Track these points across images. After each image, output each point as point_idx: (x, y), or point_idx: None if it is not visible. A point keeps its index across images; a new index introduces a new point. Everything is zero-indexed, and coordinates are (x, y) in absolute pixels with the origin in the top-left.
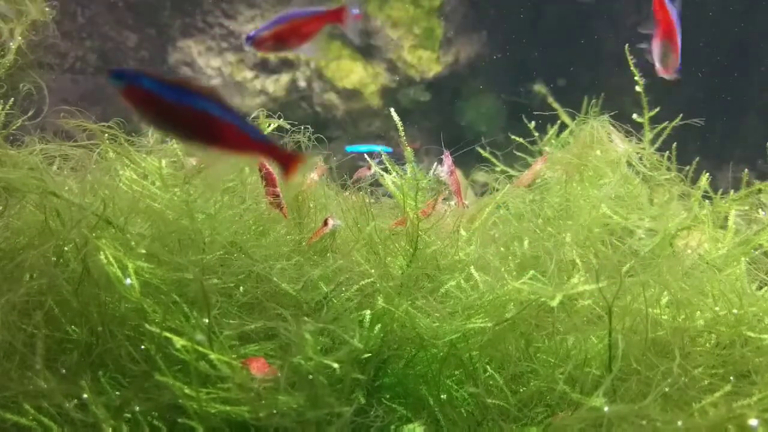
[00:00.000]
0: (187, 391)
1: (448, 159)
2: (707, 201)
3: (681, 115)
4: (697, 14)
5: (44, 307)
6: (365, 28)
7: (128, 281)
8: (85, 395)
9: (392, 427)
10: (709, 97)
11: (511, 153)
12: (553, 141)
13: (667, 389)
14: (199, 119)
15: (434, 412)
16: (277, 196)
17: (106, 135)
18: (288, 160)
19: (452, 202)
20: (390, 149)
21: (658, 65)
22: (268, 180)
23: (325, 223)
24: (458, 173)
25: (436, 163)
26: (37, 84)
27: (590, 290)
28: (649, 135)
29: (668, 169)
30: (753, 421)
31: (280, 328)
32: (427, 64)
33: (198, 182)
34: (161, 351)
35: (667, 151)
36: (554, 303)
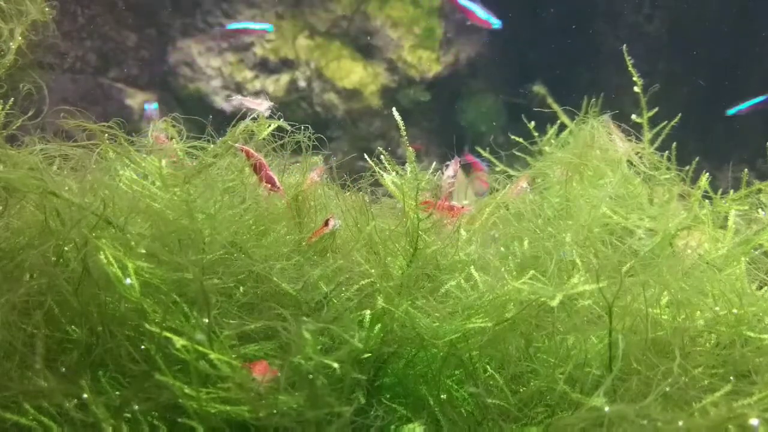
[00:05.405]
0: (187, 390)
1: (455, 164)
2: (707, 201)
3: (680, 114)
4: (697, 14)
5: (44, 307)
6: (365, 28)
7: (128, 281)
8: (85, 395)
9: (392, 427)
10: (710, 97)
11: (511, 153)
12: (552, 141)
13: (667, 389)
14: None
15: (434, 412)
16: (273, 180)
17: (106, 135)
18: None
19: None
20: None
21: None
22: (259, 167)
23: (326, 223)
24: (460, 173)
25: (434, 162)
26: (37, 84)
27: (590, 290)
28: (648, 135)
29: (668, 169)
30: (754, 421)
31: (280, 328)
32: (427, 64)
33: (198, 182)
34: (161, 351)
35: (667, 151)
36: (554, 303)
